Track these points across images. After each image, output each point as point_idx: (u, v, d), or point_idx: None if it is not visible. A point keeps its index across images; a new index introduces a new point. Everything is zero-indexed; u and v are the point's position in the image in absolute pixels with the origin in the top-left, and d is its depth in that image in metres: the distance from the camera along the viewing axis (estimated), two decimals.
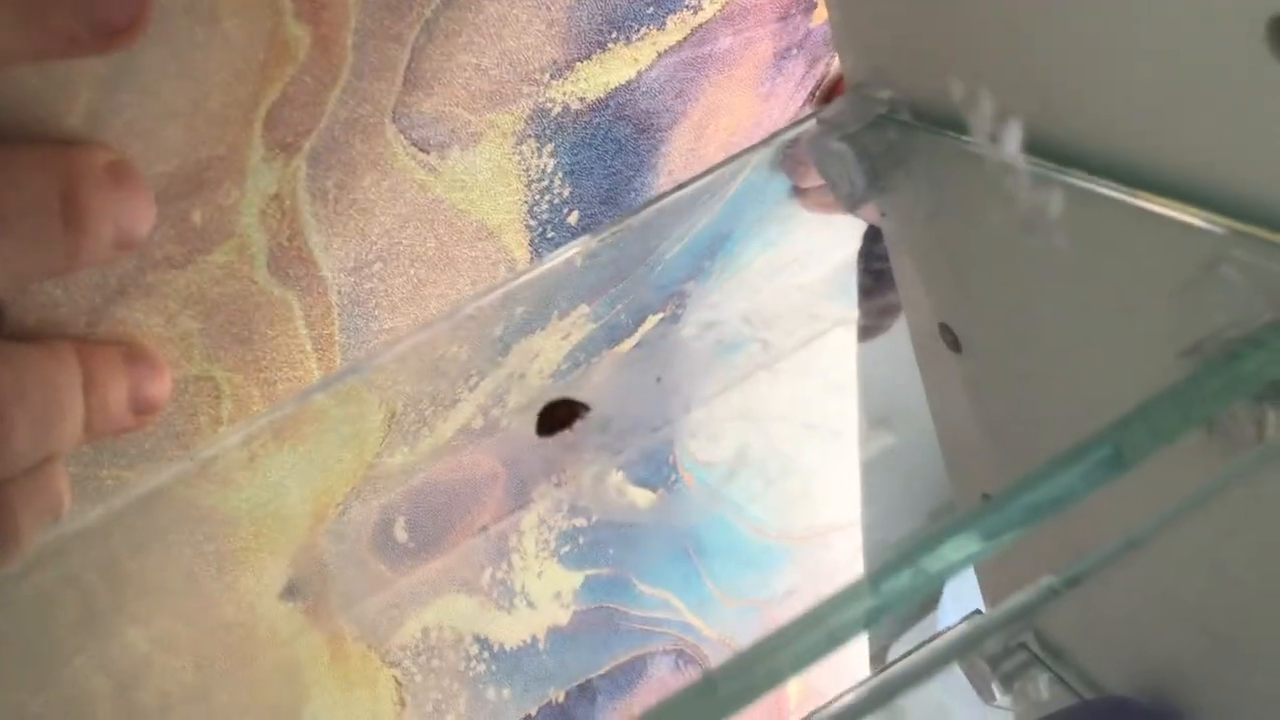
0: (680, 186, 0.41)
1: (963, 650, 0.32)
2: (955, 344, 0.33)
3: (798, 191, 0.48)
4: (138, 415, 0.33)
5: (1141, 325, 0.24)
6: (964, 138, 0.27)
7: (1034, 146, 0.25)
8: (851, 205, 0.31)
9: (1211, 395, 0.20)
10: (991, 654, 0.35)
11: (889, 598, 0.19)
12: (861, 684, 0.35)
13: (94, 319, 0.31)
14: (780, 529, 0.54)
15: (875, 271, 0.55)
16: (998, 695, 0.35)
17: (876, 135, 0.30)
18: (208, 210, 0.32)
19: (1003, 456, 0.34)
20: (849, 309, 0.54)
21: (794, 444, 0.53)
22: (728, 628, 0.53)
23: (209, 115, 0.30)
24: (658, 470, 0.50)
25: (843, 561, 0.56)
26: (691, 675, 0.53)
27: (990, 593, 0.38)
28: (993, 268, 0.29)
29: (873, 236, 0.54)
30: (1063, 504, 0.19)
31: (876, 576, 0.19)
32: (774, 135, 0.36)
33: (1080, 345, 0.27)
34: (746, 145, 0.43)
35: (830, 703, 0.32)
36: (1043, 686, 0.34)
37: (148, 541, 0.38)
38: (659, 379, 0.47)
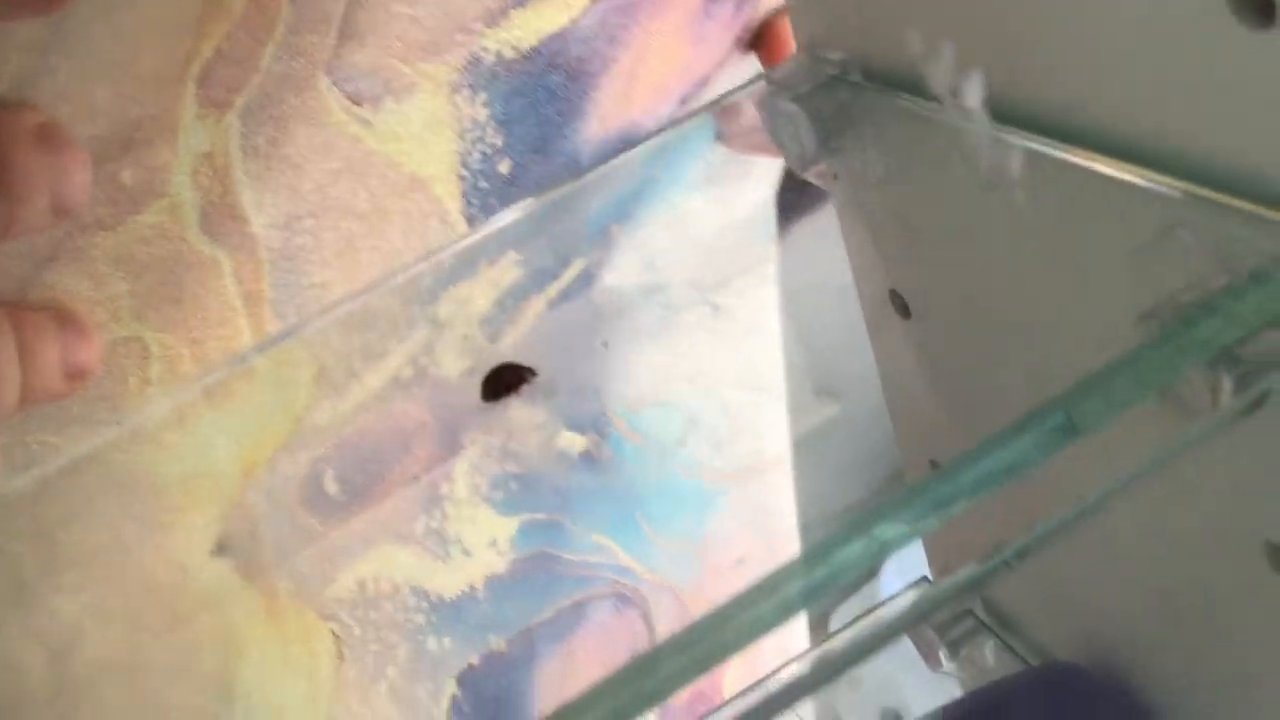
0: (622, 152, 0.41)
1: (911, 622, 0.32)
2: (905, 310, 0.33)
3: (723, 135, 0.48)
4: (70, 381, 0.32)
5: (1096, 290, 0.24)
6: (918, 99, 0.27)
7: (992, 109, 0.25)
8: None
9: (1165, 363, 0.20)
10: (938, 621, 0.35)
11: (840, 567, 0.19)
12: (805, 655, 0.35)
13: (24, 285, 0.30)
14: (715, 470, 0.54)
15: (791, 208, 0.55)
16: (944, 662, 0.35)
17: (828, 96, 0.29)
18: (139, 171, 0.31)
19: (952, 424, 0.34)
20: (770, 248, 0.54)
21: (727, 387, 0.53)
22: (665, 570, 0.53)
23: (141, 75, 0.29)
24: (587, 413, 0.50)
25: (777, 501, 0.57)
26: (631, 618, 0.53)
27: (937, 559, 0.38)
28: (945, 232, 0.29)
29: (790, 174, 0.54)
30: (1015, 473, 0.19)
31: (828, 546, 0.19)
32: (722, 97, 0.36)
33: (1033, 310, 0.27)
34: (678, 90, 0.43)
35: (775, 672, 0.33)
36: (989, 653, 0.35)
37: (75, 507, 0.37)
38: (605, 344, 0.47)
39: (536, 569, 0.50)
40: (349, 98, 0.34)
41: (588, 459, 0.50)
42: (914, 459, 0.37)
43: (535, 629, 0.50)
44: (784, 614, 0.19)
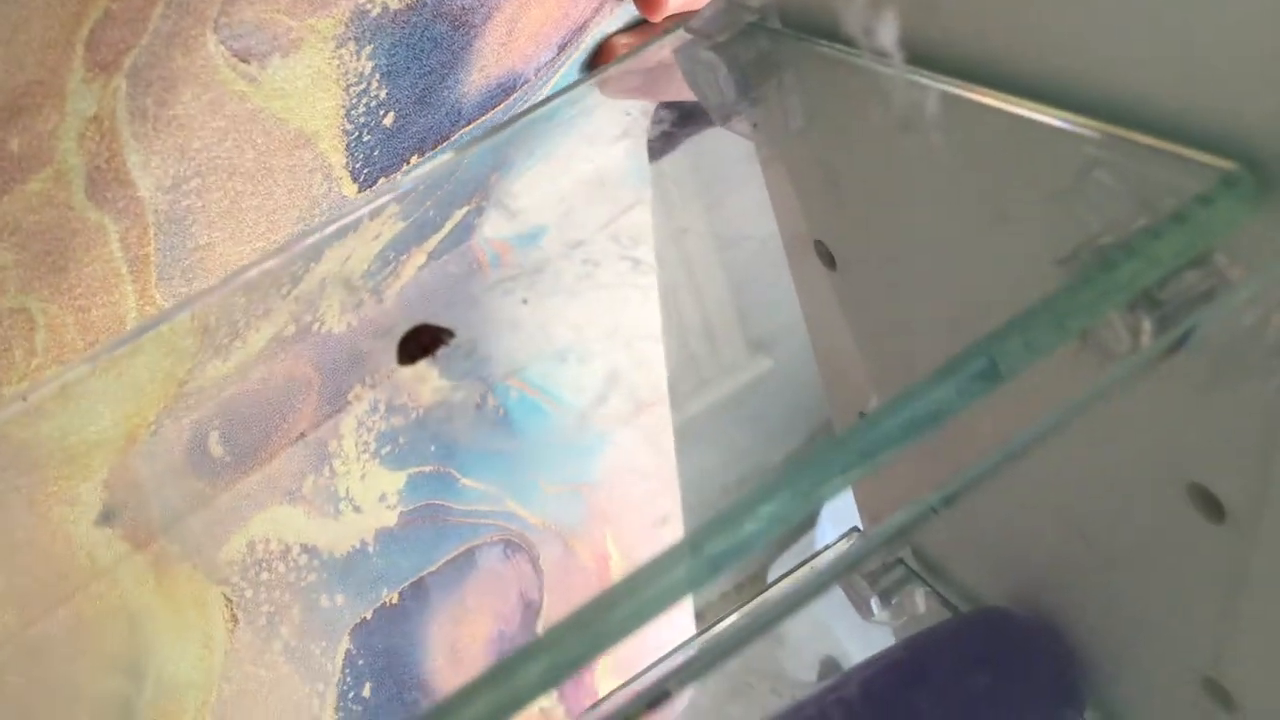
0: (521, 115, 0.40)
1: (842, 571, 0.32)
2: (830, 260, 0.33)
3: (599, 81, 0.48)
4: None
5: (1017, 234, 0.25)
6: (835, 44, 0.27)
7: (908, 51, 0.25)
8: (722, 116, 0.30)
9: (1086, 305, 0.20)
10: (869, 570, 0.35)
11: (767, 521, 0.19)
12: (741, 608, 0.36)
13: None
14: (595, 415, 0.55)
15: (662, 142, 0.56)
16: (876, 611, 0.35)
17: (746, 44, 0.29)
18: (25, 137, 0.29)
19: (880, 374, 0.34)
20: (643, 188, 0.55)
21: (603, 329, 0.54)
22: (552, 514, 0.54)
23: (30, 40, 0.27)
24: (471, 364, 0.50)
25: (657, 439, 0.58)
26: (520, 563, 0.54)
27: (868, 510, 0.39)
28: (866, 180, 0.29)
29: (661, 113, 0.55)
30: (939, 419, 0.19)
31: (755, 500, 0.19)
32: (635, 51, 0.36)
33: (956, 257, 0.27)
34: (556, 37, 0.43)
35: (710, 627, 0.33)
36: (920, 601, 0.35)
37: None
38: (525, 300, 0.46)
39: (426, 521, 0.50)
40: (236, 55, 0.33)
41: (472, 408, 0.50)
42: (843, 411, 0.38)
43: (427, 579, 0.50)
44: (711, 571, 0.19)
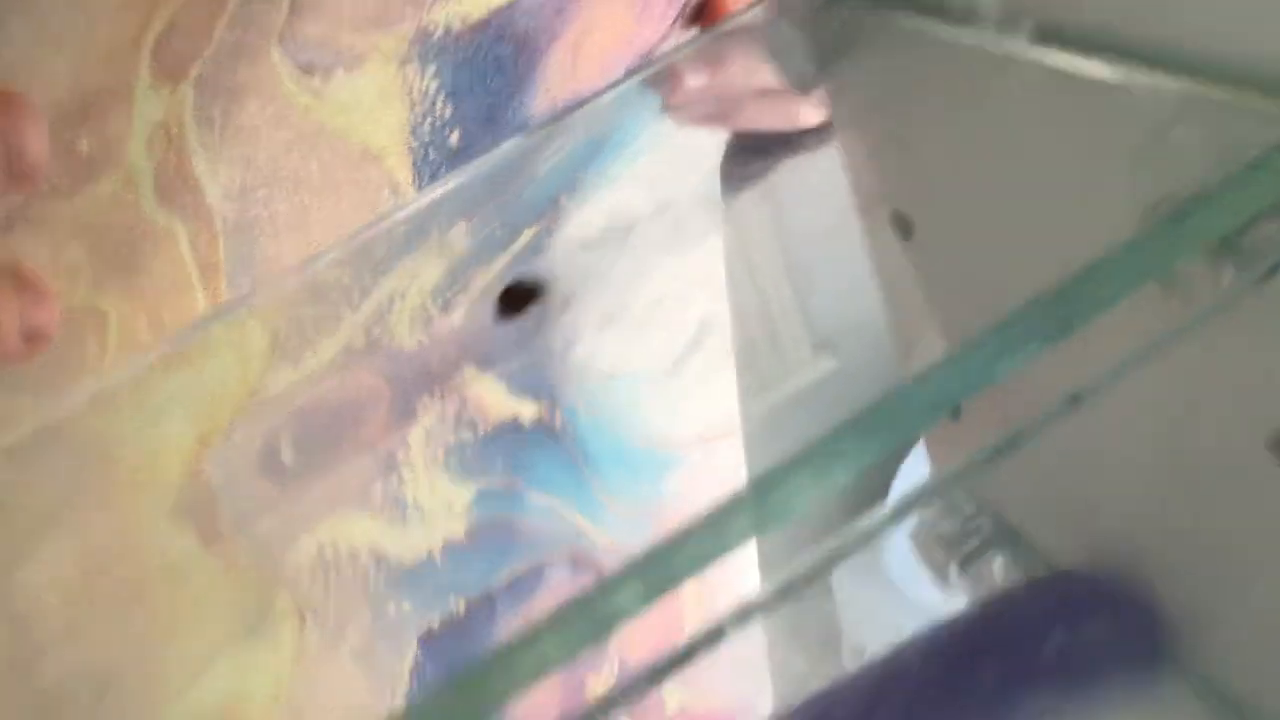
0: (572, 108, 0.42)
1: (905, 512, 0.32)
2: (907, 230, 0.32)
3: (668, 106, 0.49)
4: (29, 344, 0.32)
5: (1098, 197, 0.24)
6: (917, 16, 0.27)
7: (994, 17, 0.25)
8: (802, 90, 0.30)
9: (1163, 251, 0.19)
10: (948, 537, 0.35)
11: (862, 456, 0.19)
12: (806, 556, 0.36)
13: None
14: (671, 435, 0.55)
15: (738, 179, 0.56)
16: (954, 578, 0.35)
17: (826, 17, 0.29)
18: (95, 140, 0.31)
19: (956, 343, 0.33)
20: (715, 220, 0.55)
21: (681, 353, 0.54)
22: (620, 534, 0.54)
23: (98, 45, 0.29)
24: (540, 381, 0.51)
25: (729, 468, 0.58)
26: (585, 580, 0.54)
27: (938, 465, 0.38)
28: (945, 148, 0.29)
29: (734, 149, 0.55)
30: (1015, 363, 0.19)
31: (842, 432, 0.19)
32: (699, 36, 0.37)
33: (1035, 221, 0.27)
34: (622, 63, 0.44)
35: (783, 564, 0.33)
36: (998, 568, 0.34)
37: (31, 476, 0.37)
38: (618, 257, 0.47)
39: (493, 534, 0.50)
40: (300, 69, 0.35)
41: (541, 425, 0.51)
42: None
43: (494, 593, 0.51)
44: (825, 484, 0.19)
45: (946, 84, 0.27)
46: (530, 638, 0.19)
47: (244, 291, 0.39)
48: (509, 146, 0.40)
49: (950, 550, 0.35)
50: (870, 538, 0.22)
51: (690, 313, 0.53)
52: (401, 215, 0.38)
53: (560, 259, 0.47)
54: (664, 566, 0.19)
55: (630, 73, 0.44)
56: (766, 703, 0.55)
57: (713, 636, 0.21)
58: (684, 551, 0.19)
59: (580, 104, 0.41)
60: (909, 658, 0.28)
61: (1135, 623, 0.29)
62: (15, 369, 0.34)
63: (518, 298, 0.47)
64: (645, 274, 0.52)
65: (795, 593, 0.22)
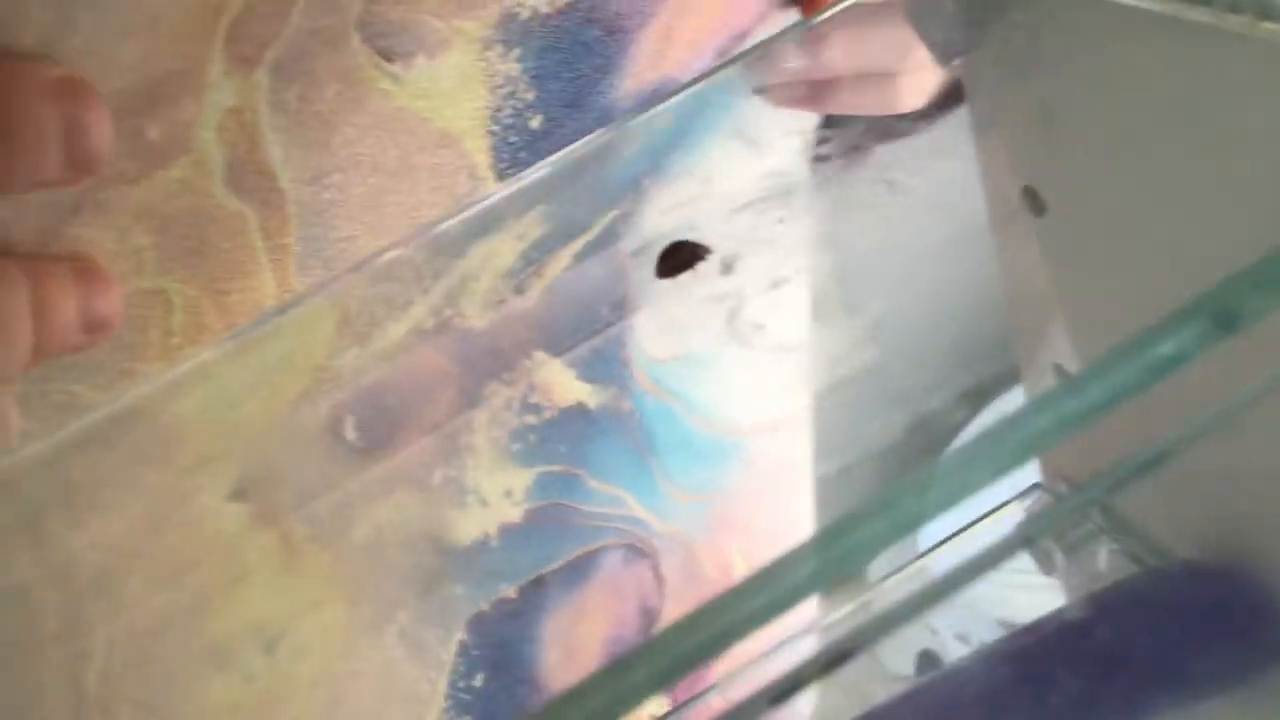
0: (666, 97, 0.40)
1: (1036, 533, 0.31)
2: (1039, 207, 0.31)
3: (761, 88, 0.47)
4: (89, 334, 0.32)
5: (1256, 177, 0.23)
6: None
7: None
8: (945, 57, 0.29)
9: None
10: (1057, 528, 0.34)
11: (993, 466, 0.18)
12: (912, 570, 0.35)
13: (46, 239, 0.30)
14: (731, 424, 0.54)
15: (829, 162, 0.55)
16: (1060, 566, 0.34)
17: None
18: (164, 126, 0.30)
19: (1083, 326, 0.32)
20: (803, 199, 0.53)
21: (745, 340, 0.53)
22: (679, 522, 0.53)
23: (168, 31, 0.28)
24: (609, 367, 0.49)
25: (793, 458, 0.57)
26: (641, 570, 0.53)
27: (1052, 466, 0.36)
28: (1089, 121, 0.27)
29: (826, 126, 0.53)
30: (1172, 367, 0.18)
31: (975, 451, 0.18)
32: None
33: (1183, 201, 0.25)
34: (714, 45, 0.42)
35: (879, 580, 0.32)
36: (1103, 557, 0.33)
37: (93, 451, 0.37)
38: (781, 219, 0.46)
39: (551, 519, 0.50)
40: (380, 54, 0.33)
41: (607, 411, 0.50)
42: (1034, 366, 0.36)
43: (546, 578, 0.50)
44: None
45: (1096, 52, 0.26)
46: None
47: (314, 274, 0.38)
48: (597, 137, 0.38)
49: (1056, 537, 0.34)
50: (998, 558, 0.22)
51: (765, 298, 0.52)
52: (481, 206, 0.37)
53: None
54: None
55: (722, 57, 0.42)
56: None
57: (835, 659, 0.21)
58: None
59: (673, 93, 0.40)
60: (1020, 647, 0.27)
61: (1253, 616, 0.28)
62: (76, 353, 0.33)
63: (681, 257, 0.46)
64: (729, 259, 0.50)
65: (914, 615, 0.21)
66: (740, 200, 0.46)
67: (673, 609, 0.56)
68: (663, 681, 0.18)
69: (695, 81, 0.39)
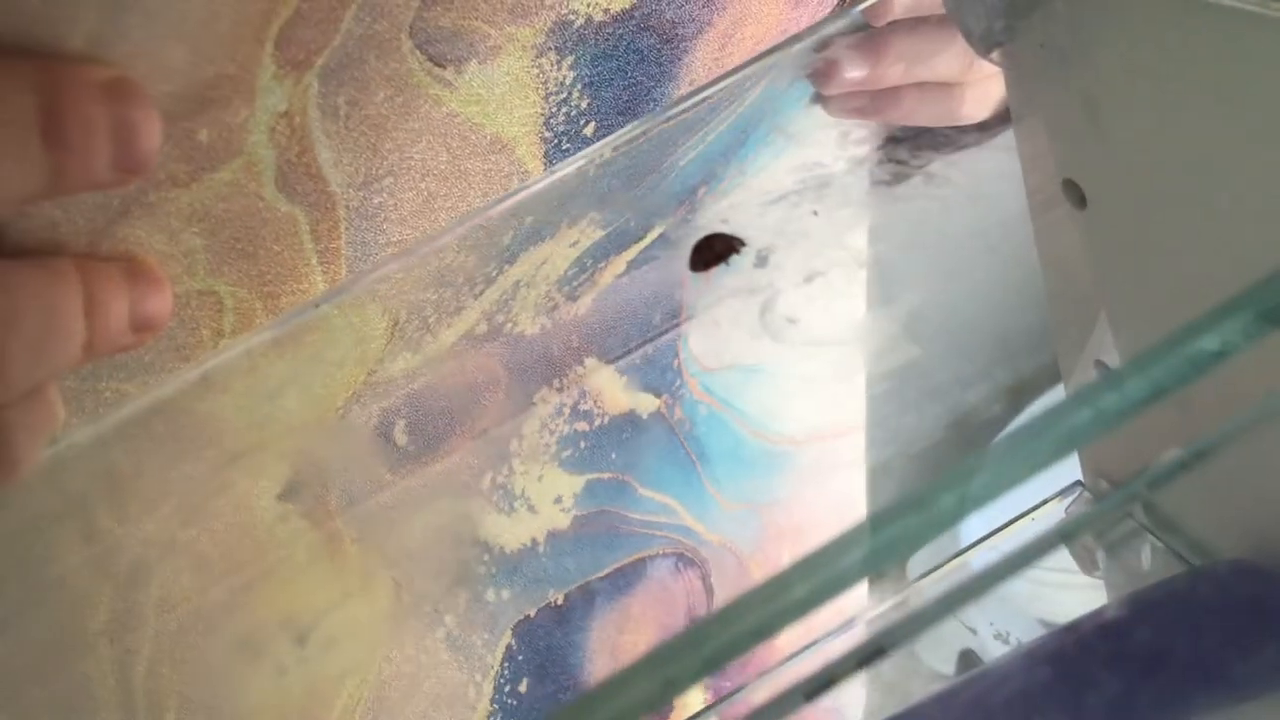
0: (705, 87, 0.40)
1: (1074, 530, 0.30)
2: (1080, 199, 0.31)
3: (821, 98, 0.47)
4: (138, 333, 0.32)
5: None
6: None
7: None
8: (985, 48, 0.29)
9: None
10: (1098, 526, 0.33)
11: (1032, 460, 0.18)
12: (955, 567, 0.34)
13: (95, 239, 0.30)
14: (782, 433, 0.53)
15: (892, 173, 0.54)
16: (1102, 565, 0.33)
17: None
18: (215, 129, 0.30)
19: (1124, 320, 0.32)
20: (859, 216, 0.53)
21: (798, 349, 0.52)
22: (728, 531, 0.53)
23: (218, 35, 0.28)
24: (662, 376, 0.49)
25: (843, 466, 0.56)
26: (690, 579, 0.53)
27: (1093, 463, 0.36)
28: (1132, 113, 0.27)
29: (892, 142, 0.53)
30: (1216, 361, 0.18)
31: (1015, 445, 0.18)
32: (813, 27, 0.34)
33: (1227, 194, 0.25)
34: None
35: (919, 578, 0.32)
36: (1145, 556, 0.33)
37: (146, 447, 0.37)
38: (815, 212, 0.46)
39: (599, 526, 0.49)
40: (432, 60, 0.33)
41: (658, 419, 0.50)
42: (1074, 360, 0.35)
43: (594, 585, 0.50)
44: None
45: (1141, 43, 0.25)
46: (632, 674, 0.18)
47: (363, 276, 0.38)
48: (639, 125, 0.38)
49: (1098, 536, 0.34)
50: (1035, 554, 0.22)
51: (798, 291, 0.51)
52: (523, 195, 0.37)
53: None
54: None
55: (773, 49, 0.42)
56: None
57: (871, 654, 0.21)
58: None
59: (719, 79, 0.39)
60: (1068, 644, 0.27)
61: None
62: (126, 352, 0.33)
63: (715, 250, 0.46)
64: (783, 265, 0.50)
65: (954, 609, 0.21)
66: (775, 193, 0.45)
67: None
68: (707, 669, 0.18)
69: (744, 66, 0.38)
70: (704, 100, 0.41)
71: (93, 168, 0.27)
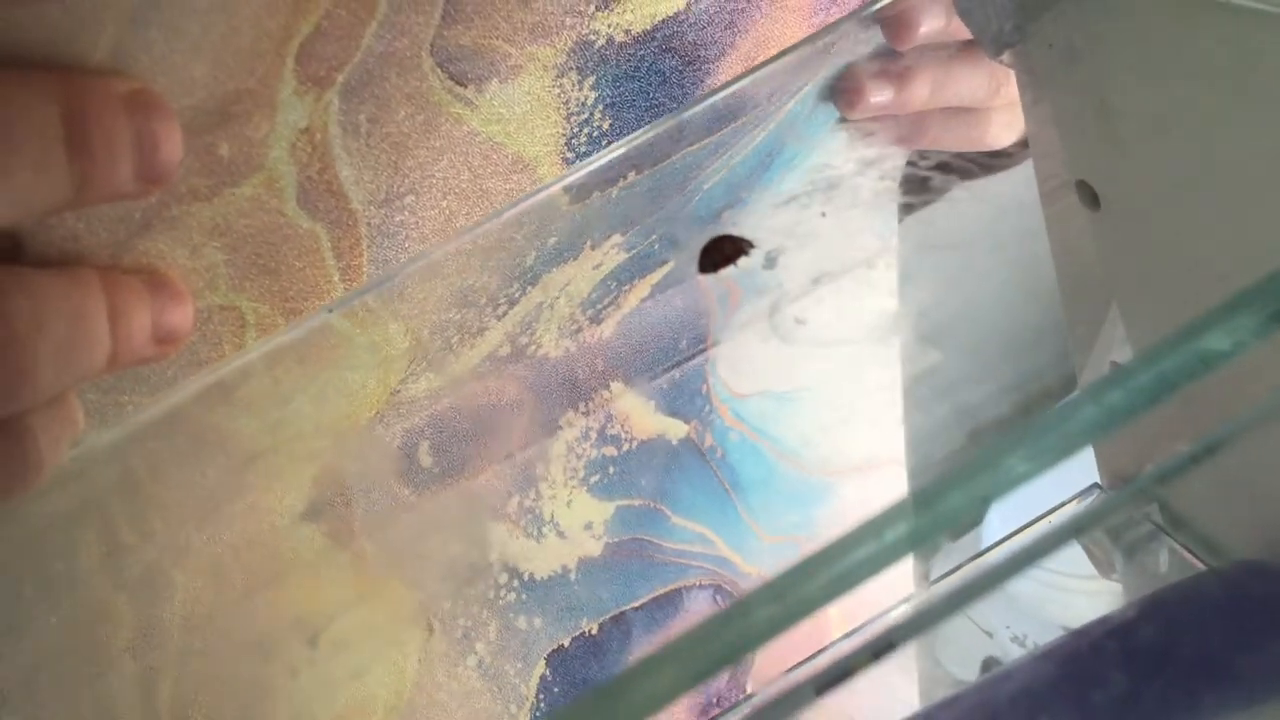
0: (726, 85, 0.40)
1: (1086, 525, 0.30)
2: (1093, 201, 0.31)
3: (846, 121, 0.47)
4: (160, 345, 0.32)
5: None
6: None
7: None
8: (996, 49, 0.29)
9: None
10: (1113, 527, 0.33)
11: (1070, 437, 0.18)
12: (972, 560, 0.34)
13: (117, 252, 0.31)
14: (820, 464, 0.53)
15: (915, 198, 0.54)
16: (1118, 568, 0.33)
17: None
18: (236, 143, 0.31)
19: (1138, 321, 0.32)
20: (889, 237, 0.53)
21: (834, 378, 0.52)
22: (766, 563, 0.53)
23: (239, 50, 0.29)
24: (690, 401, 0.49)
25: (883, 498, 0.56)
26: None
27: (1109, 464, 0.36)
28: (1145, 114, 0.27)
29: (911, 163, 0.53)
30: (1219, 362, 0.18)
31: (1021, 441, 0.18)
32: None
33: (1239, 195, 0.25)
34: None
35: (943, 576, 0.31)
36: (1163, 558, 0.32)
37: (168, 463, 0.38)
38: (823, 214, 0.46)
39: (632, 555, 0.49)
40: (453, 78, 0.34)
41: (688, 446, 0.50)
42: (1088, 361, 0.35)
43: (629, 614, 0.50)
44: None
45: (1154, 44, 0.25)
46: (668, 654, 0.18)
47: (385, 295, 0.38)
48: (662, 124, 0.38)
49: (1114, 538, 0.34)
50: (1045, 550, 0.21)
51: (807, 293, 0.51)
52: (541, 196, 0.37)
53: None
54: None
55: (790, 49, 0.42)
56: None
57: (882, 648, 0.21)
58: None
59: (740, 78, 0.39)
60: (1085, 645, 0.26)
61: None
62: (148, 365, 0.34)
63: (723, 252, 0.46)
64: (807, 295, 0.50)
65: (963, 605, 0.21)
66: (784, 195, 0.45)
67: (760, 653, 0.55)
68: (737, 653, 0.18)
69: (762, 66, 0.38)
70: (729, 94, 0.40)
71: (116, 178, 0.28)
